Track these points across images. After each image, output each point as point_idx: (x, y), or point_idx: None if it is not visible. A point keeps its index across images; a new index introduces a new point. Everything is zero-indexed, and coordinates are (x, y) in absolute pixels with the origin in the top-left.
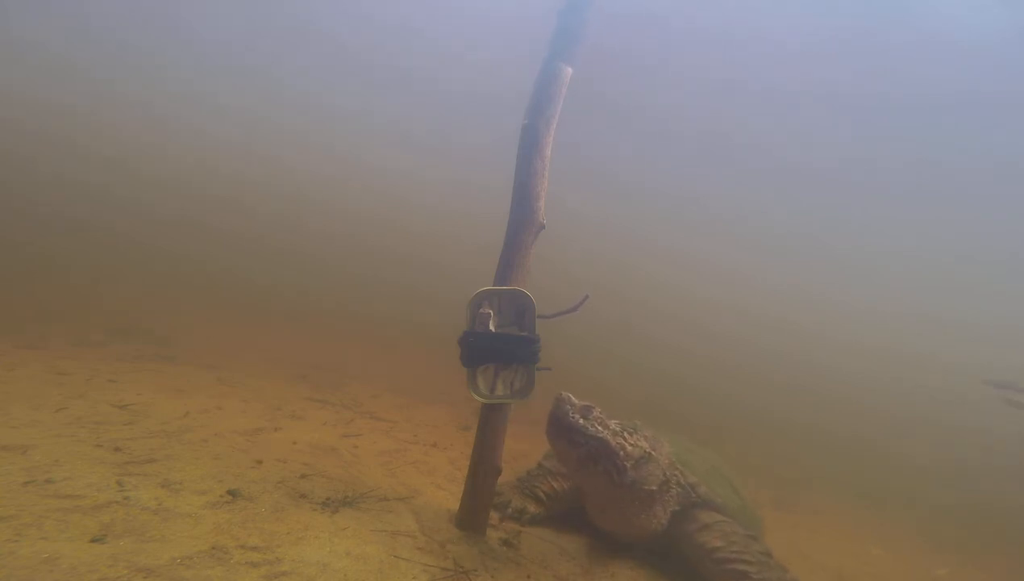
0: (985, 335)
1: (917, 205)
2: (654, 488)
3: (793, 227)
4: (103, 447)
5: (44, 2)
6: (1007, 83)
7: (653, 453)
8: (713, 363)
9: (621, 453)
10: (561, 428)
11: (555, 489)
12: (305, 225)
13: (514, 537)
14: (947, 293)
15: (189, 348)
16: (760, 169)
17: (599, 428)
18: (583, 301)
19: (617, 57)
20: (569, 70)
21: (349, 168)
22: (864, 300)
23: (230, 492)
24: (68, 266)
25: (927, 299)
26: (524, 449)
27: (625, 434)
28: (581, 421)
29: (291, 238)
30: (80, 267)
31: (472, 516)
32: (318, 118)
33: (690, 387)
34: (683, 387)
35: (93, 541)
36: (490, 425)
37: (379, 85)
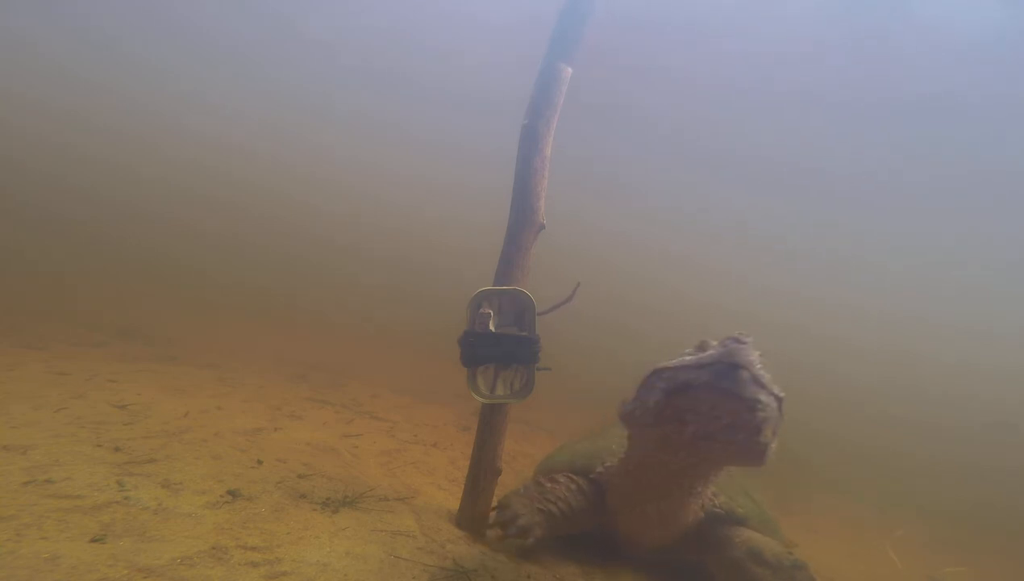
0: (987, 336)
1: (920, 207)
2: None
3: (795, 229)
4: (103, 447)
5: (44, 2)
6: (1008, 84)
7: None
8: None
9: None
10: (742, 385)
11: (572, 507)
12: (306, 226)
13: None
14: (948, 295)
15: (189, 348)
16: (761, 171)
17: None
18: (575, 291)
19: (617, 58)
20: (569, 70)
21: (348, 169)
22: (865, 301)
23: (230, 492)
24: (69, 267)
25: (927, 300)
26: (524, 449)
27: None
28: (767, 376)
29: (292, 239)
30: (81, 268)
31: (472, 516)
32: (318, 121)
33: None
34: None
35: (93, 541)
36: (490, 425)
37: (379, 87)
